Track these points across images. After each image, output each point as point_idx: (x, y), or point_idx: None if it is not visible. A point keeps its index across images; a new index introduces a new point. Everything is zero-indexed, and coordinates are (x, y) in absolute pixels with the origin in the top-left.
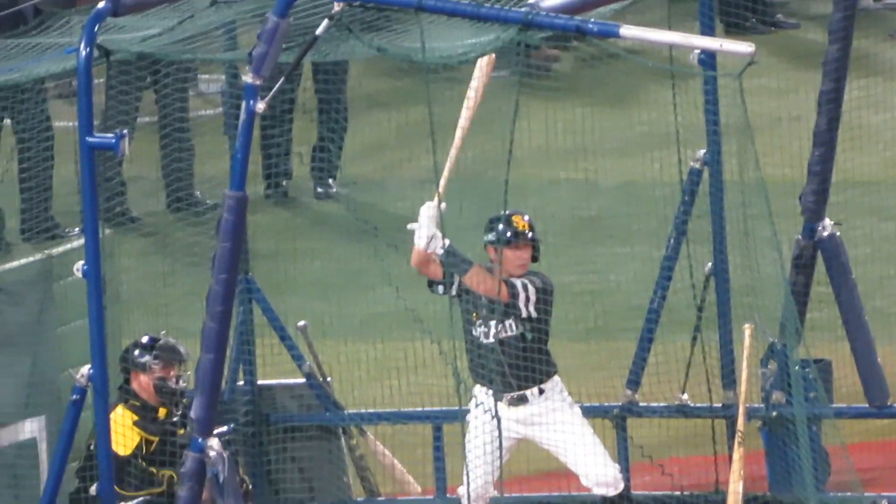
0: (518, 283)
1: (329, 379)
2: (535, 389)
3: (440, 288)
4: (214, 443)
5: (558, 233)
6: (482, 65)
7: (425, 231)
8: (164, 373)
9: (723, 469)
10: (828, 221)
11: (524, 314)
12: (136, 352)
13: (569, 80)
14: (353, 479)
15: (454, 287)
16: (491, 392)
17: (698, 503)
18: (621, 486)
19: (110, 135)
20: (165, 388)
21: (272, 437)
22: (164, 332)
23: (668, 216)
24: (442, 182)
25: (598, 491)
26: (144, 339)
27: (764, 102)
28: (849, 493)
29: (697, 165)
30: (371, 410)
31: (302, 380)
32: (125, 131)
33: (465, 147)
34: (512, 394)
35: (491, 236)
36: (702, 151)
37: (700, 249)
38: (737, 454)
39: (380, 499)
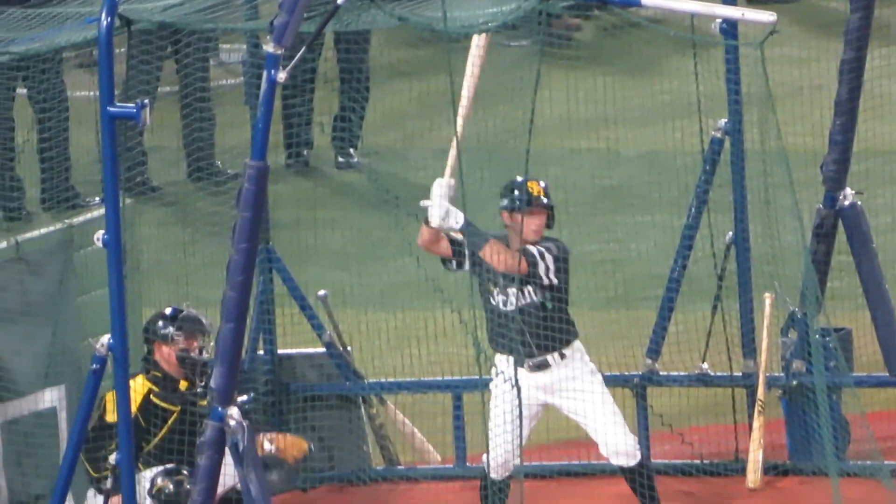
0: (535, 251)
1: (349, 348)
2: (556, 355)
3: (453, 264)
4: (234, 412)
5: (579, 202)
6: (478, 44)
7: (438, 209)
8: (187, 344)
9: (742, 438)
10: (849, 190)
11: (545, 282)
12: (160, 323)
13: (590, 49)
14: (373, 448)
15: (467, 263)
16: (512, 360)
17: (718, 471)
18: (638, 456)
19: (131, 104)
20: (188, 359)
21: (292, 407)
22: (187, 303)
23: (690, 185)
24: (450, 159)
25: (616, 461)
26: (168, 311)
27: (785, 71)
28: (869, 462)
29: (719, 135)
30: (391, 380)
31: (322, 349)
32: (146, 101)
33: (487, 117)
34: (533, 360)
35: (506, 202)
36: (723, 121)
37: (721, 218)
38: (757, 423)
39: (399, 468)
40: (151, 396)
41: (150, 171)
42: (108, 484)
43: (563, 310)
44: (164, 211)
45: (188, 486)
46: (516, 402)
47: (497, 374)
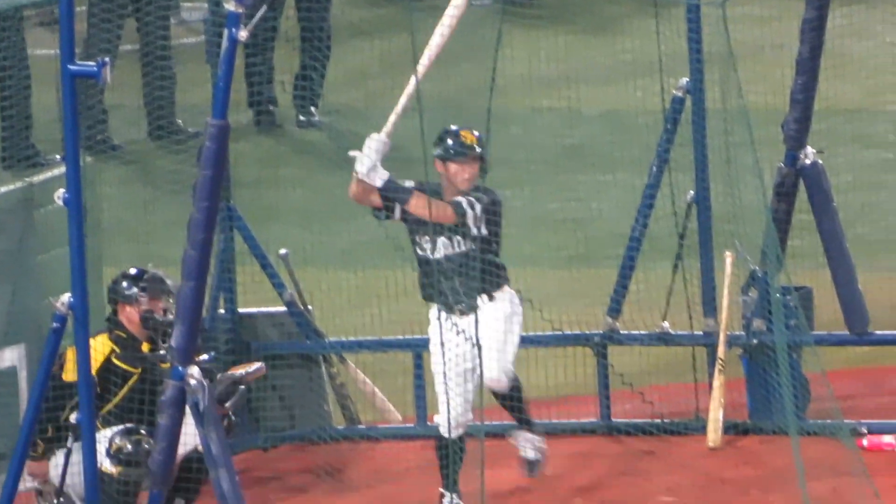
0: (464, 201)
1: (310, 307)
2: (485, 296)
3: (383, 214)
4: (195, 371)
5: (541, 161)
6: (456, 3)
7: (367, 161)
8: (150, 305)
9: (703, 396)
10: (810, 149)
11: (474, 232)
12: (124, 283)
13: (552, 8)
14: (334, 407)
15: (397, 211)
16: (443, 309)
17: (678, 430)
18: (504, 385)
19: (92, 63)
20: (151, 320)
21: None
22: (151, 263)
23: (651, 144)
24: (393, 115)
25: (488, 384)
26: (132, 271)
27: (747, 30)
28: (829, 421)
29: (680, 93)
30: (352, 338)
31: (283, 308)
32: (107, 59)
33: (449, 75)
34: (462, 305)
35: (439, 150)
36: (685, 80)
37: (682, 177)
38: (717, 382)
39: (360, 427)
40: (113, 358)
41: (111, 129)
42: (70, 443)
43: (494, 258)
44: (125, 169)
45: (147, 446)
46: (457, 355)
47: (431, 327)
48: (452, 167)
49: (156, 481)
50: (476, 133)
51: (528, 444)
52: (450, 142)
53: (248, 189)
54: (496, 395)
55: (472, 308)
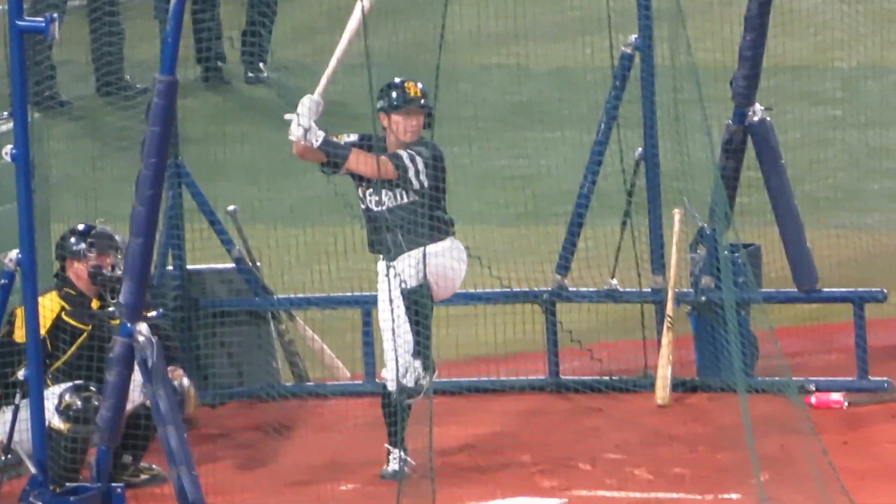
0: (404, 155)
1: (258, 264)
2: (430, 247)
3: (329, 170)
4: (143, 328)
5: (489, 118)
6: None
7: (303, 122)
8: (99, 261)
9: (651, 354)
10: (758, 106)
11: (415, 185)
12: (72, 239)
13: None
14: (282, 364)
15: (342, 166)
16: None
17: (626, 388)
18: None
19: (40, 19)
20: (100, 276)
21: (201, 322)
22: (100, 219)
23: (600, 101)
24: (325, 77)
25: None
26: (80, 227)
27: None
28: (777, 378)
29: (629, 50)
30: (300, 295)
31: (231, 265)
32: (55, 15)
33: (398, 31)
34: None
35: (382, 102)
36: (633, 36)
37: (631, 134)
38: (665, 339)
39: (308, 384)
40: (63, 315)
41: (59, 85)
42: (18, 400)
43: (437, 210)
44: (73, 125)
45: (96, 403)
46: (401, 308)
47: (380, 281)
48: (396, 119)
49: (103, 438)
50: (420, 86)
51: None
52: (393, 94)
53: (196, 145)
54: None
55: (391, 252)
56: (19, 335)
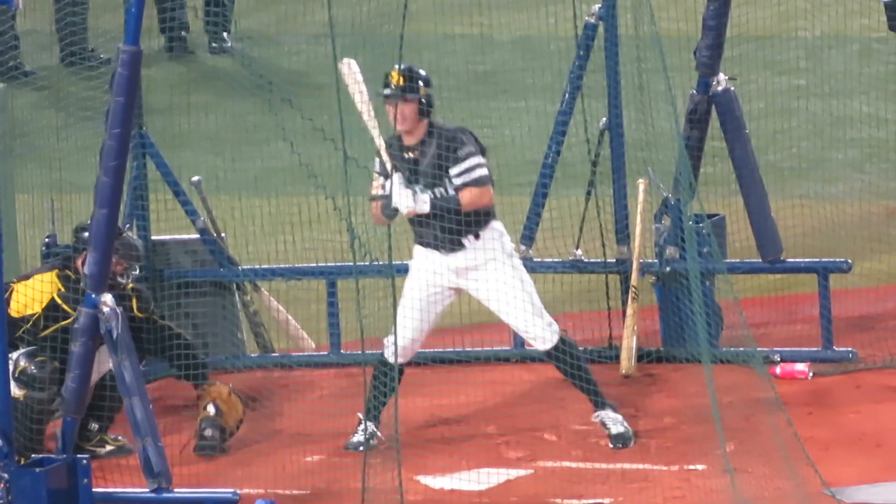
0: (484, 170)
1: (223, 234)
2: (471, 236)
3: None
4: (108, 298)
5: (453, 87)
6: (346, 72)
7: (404, 199)
8: (115, 266)
9: (616, 324)
10: (722, 76)
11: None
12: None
13: None
14: (247, 335)
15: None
16: (427, 250)
17: (591, 358)
18: (555, 339)
19: None
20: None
21: (166, 293)
22: (128, 224)
23: (563, 71)
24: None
25: (535, 345)
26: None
27: None
28: (742, 349)
29: (593, 20)
30: (265, 266)
31: (196, 235)
32: None
33: (362, 2)
34: (444, 245)
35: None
36: (597, 6)
37: (595, 104)
38: (630, 309)
39: (273, 355)
40: (56, 296)
41: (23, 55)
42: None
43: None
44: (37, 95)
45: (50, 366)
46: (431, 290)
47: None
48: (388, 108)
49: (69, 409)
50: (415, 71)
51: (612, 423)
52: (383, 84)
53: (160, 116)
54: (548, 358)
55: (455, 247)
56: (14, 309)
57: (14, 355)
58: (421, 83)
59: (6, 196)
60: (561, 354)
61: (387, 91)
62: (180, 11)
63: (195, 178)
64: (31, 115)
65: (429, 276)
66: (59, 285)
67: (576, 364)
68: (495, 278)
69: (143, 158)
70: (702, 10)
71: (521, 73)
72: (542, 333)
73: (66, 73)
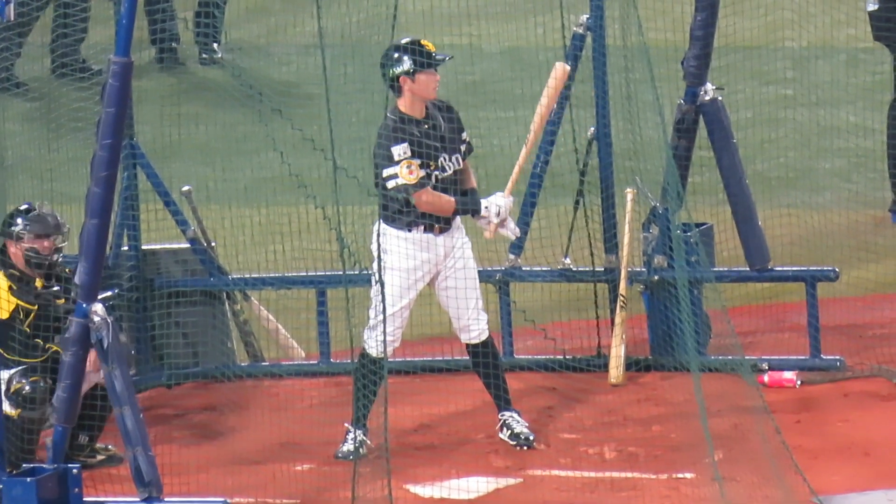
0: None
1: (213, 244)
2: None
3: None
4: (99, 308)
5: (442, 97)
6: (556, 75)
7: (499, 215)
8: (36, 243)
9: (605, 333)
10: (710, 86)
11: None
12: (12, 220)
13: None
14: (237, 343)
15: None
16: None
17: (580, 367)
18: (487, 334)
19: None
20: (34, 258)
21: (156, 302)
22: (40, 202)
23: None
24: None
25: (471, 336)
26: (23, 207)
27: None
28: (730, 357)
29: (581, 30)
30: (255, 275)
31: (186, 244)
32: None
33: (351, 12)
34: (440, 223)
35: (403, 66)
36: (585, 16)
37: (583, 114)
38: (618, 318)
39: (264, 364)
40: (10, 294)
41: (15, 66)
42: None
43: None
44: (29, 106)
45: (43, 385)
46: (416, 276)
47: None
48: (422, 79)
49: (60, 418)
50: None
51: (516, 423)
52: (415, 54)
53: (150, 126)
54: (478, 355)
55: (449, 226)
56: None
57: (5, 374)
58: None
59: None
60: (488, 350)
61: (439, 56)
62: (171, 23)
63: (185, 188)
64: (22, 126)
65: (420, 262)
66: (9, 283)
67: (496, 363)
68: (462, 265)
69: (134, 169)
70: (689, 21)
71: (510, 83)
72: (483, 326)
73: (58, 84)
